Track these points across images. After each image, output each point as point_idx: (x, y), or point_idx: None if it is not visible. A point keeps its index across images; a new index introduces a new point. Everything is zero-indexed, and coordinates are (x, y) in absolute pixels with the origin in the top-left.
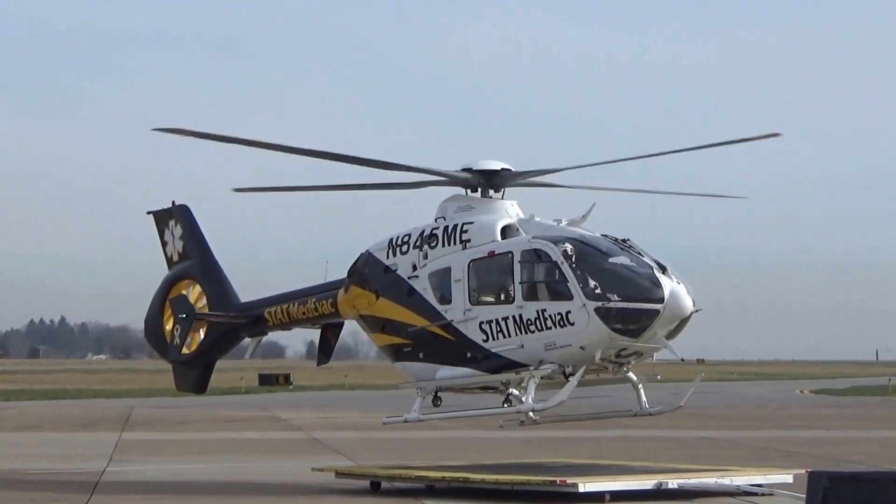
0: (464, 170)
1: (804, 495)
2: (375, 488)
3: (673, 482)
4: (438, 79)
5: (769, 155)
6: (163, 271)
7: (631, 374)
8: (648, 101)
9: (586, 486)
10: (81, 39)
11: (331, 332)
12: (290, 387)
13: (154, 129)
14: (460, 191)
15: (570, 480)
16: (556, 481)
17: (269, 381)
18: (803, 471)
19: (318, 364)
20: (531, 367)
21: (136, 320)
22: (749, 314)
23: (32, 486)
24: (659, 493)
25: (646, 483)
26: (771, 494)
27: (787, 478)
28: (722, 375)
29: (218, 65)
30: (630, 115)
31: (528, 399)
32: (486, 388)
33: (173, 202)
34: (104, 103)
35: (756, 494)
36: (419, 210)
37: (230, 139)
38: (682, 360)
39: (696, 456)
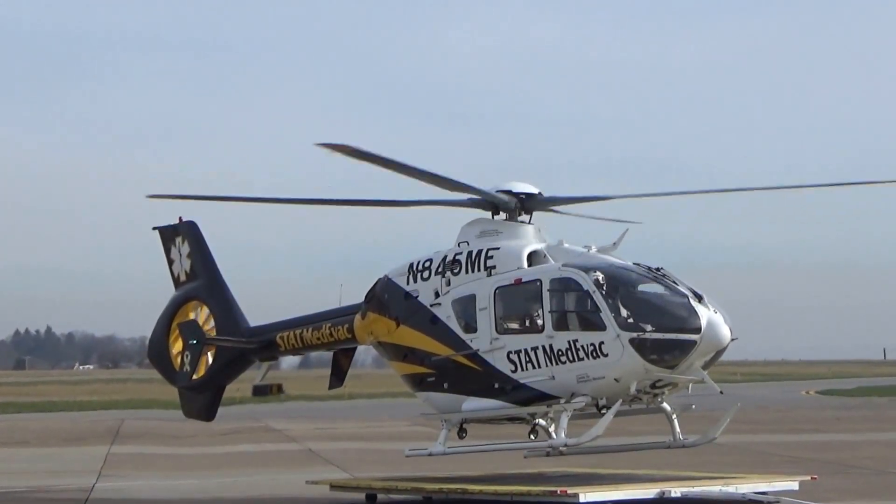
0: (498, 191)
1: (810, 503)
2: (371, 501)
3: (676, 491)
4: (431, 79)
5: (776, 149)
6: (163, 285)
7: (665, 405)
8: (645, 99)
9: (588, 496)
10: (60, 41)
11: (343, 355)
12: (283, 395)
13: (149, 196)
14: (481, 213)
15: (570, 490)
16: (556, 492)
17: (262, 391)
18: (809, 478)
19: (329, 388)
20: (562, 400)
21: (123, 329)
22: (754, 313)
23: None
24: (662, 502)
25: (648, 492)
26: (777, 502)
27: (793, 485)
28: (726, 376)
29: (209, 67)
30: (629, 113)
31: (561, 434)
32: (512, 419)
33: (180, 218)
34: (85, 108)
35: (761, 503)
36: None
37: (231, 198)
38: (721, 392)
39: (700, 462)
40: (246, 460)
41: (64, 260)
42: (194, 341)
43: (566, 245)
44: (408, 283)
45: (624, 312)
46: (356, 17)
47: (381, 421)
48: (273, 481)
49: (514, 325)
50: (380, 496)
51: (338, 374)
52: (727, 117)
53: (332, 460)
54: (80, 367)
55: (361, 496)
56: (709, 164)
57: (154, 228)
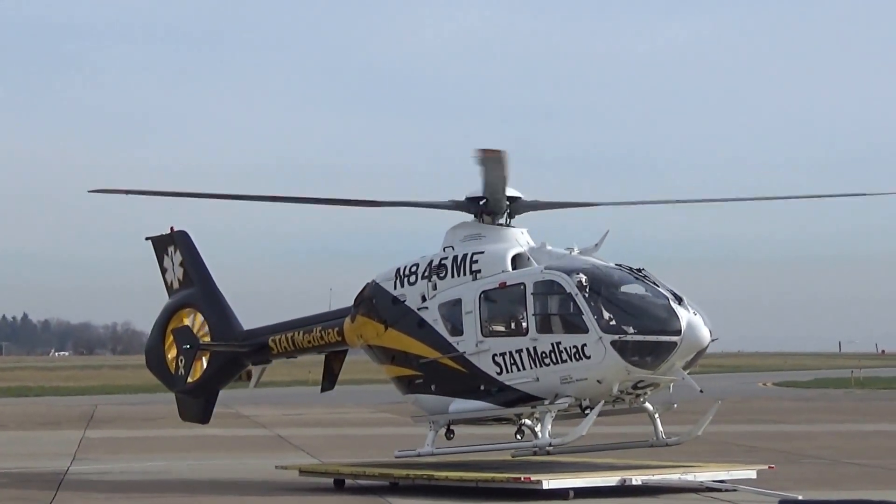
0: (469, 198)
1: (768, 491)
2: (339, 486)
3: (637, 478)
4: (409, 71)
5: (735, 146)
6: (143, 276)
7: (647, 404)
8: (618, 91)
9: (550, 482)
10: (40, 30)
11: (335, 359)
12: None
13: (91, 191)
14: (466, 217)
15: (534, 477)
16: (520, 478)
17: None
18: (766, 466)
19: (321, 391)
20: (546, 401)
21: (98, 317)
22: (711, 306)
23: None
24: (623, 489)
25: (610, 479)
26: (734, 490)
27: (751, 473)
28: None
29: (188, 59)
30: (607, 107)
31: (545, 434)
32: (498, 420)
33: (172, 228)
34: (64, 95)
35: (720, 490)
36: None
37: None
38: (701, 391)
39: (660, 452)
40: (216, 445)
41: (40, 248)
42: (188, 346)
43: (549, 247)
44: (395, 288)
45: (606, 315)
46: (333, 11)
47: (346, 407)
48: (243, 466)
49: (499, 328)
50: (348, 481)
51: (329, 378)
52: (700, 109)
53: (300, 446)
54: (56, 354)
55: (330, 481)
56: (682, 155)
57: (147, 238)
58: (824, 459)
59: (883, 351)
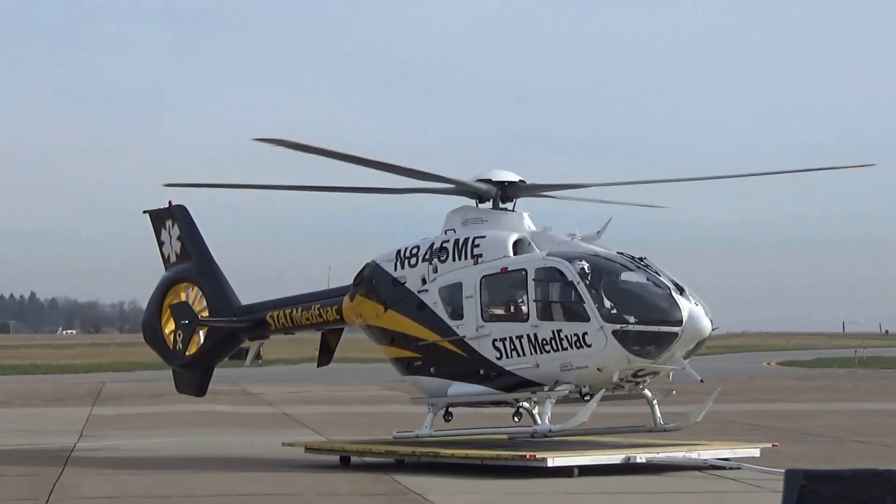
0: (478, 180)
1: (771, 469)
2: (345, 463)
3: (641, 456)
4: (410, 53)
5: (740, 125)
6: (146, 256)
7: (646, 391)
8: (620, 75)
9: (555, 460)
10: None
11: (331, 335)
12: (260, 361)
13: (255, 139)
14: (467, 201)
15: (539, 455)
16: (525, 455)
17: (238, 354)
18: (770, 445)
19: (318, 366)
20: (546, 387)
21: (105, 295)
22: (716, 286)
23: (3, 462)
24: (627, 467)
25: (614, 457)
26: (738, 468)
27: (755, 452)
28: None
29: (191, 36)
30: (603, 90)
31: (545, 420)
32: (497, 404)
33: (170, 202)
34: (68, 75)
35: (723, 468)
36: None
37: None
38: (702, 380)
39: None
40: (223, 422)
41: (48, 226)
42: (186, 321)
43: (551, 233)
44: (395, 270)
45: (607, 303)
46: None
47: (353, 385)
48: (250, 443)
49: (500, 313)
50: (353, 458)
51: (326, 353)
52: (700, 94)
53: (306, 423)
54: (63, 332)
55: (335, 458)
56: (681, 139)
57: (144, 212)
58: (828, 437)
59: (886, 331)
